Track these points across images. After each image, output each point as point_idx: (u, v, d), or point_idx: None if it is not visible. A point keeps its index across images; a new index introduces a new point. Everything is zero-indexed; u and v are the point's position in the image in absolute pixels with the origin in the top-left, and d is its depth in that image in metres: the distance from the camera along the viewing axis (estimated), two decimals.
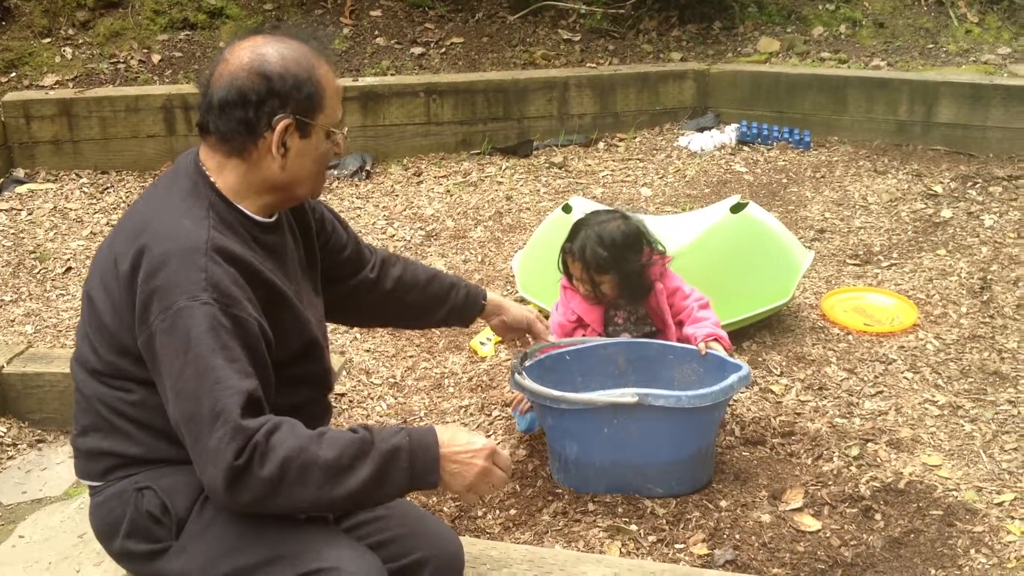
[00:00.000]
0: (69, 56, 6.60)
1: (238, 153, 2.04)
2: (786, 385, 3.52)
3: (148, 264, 1.94)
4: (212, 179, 2.07)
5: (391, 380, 3.67)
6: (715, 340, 3.08)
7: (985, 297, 4.12)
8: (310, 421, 2.28)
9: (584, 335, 3.27)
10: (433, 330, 4.03)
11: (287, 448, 1.88)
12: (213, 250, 1.95)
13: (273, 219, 2.15)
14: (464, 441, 2.02)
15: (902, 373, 3.60)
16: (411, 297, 2.60)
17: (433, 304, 2.66)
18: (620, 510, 2.86)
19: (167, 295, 1.92)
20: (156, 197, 2.10)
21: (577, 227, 3.24)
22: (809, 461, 3.10)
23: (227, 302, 1.94)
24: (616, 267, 3.17)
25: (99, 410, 2.10)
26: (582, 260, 3.19)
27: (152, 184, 2.20)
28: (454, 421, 3.37)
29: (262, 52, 2.01)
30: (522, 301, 4.13)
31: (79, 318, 2.21)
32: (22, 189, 5.64)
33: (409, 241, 4.97)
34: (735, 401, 3.37)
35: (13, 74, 6.38)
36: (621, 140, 6.29)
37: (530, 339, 2.91)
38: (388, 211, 5.36)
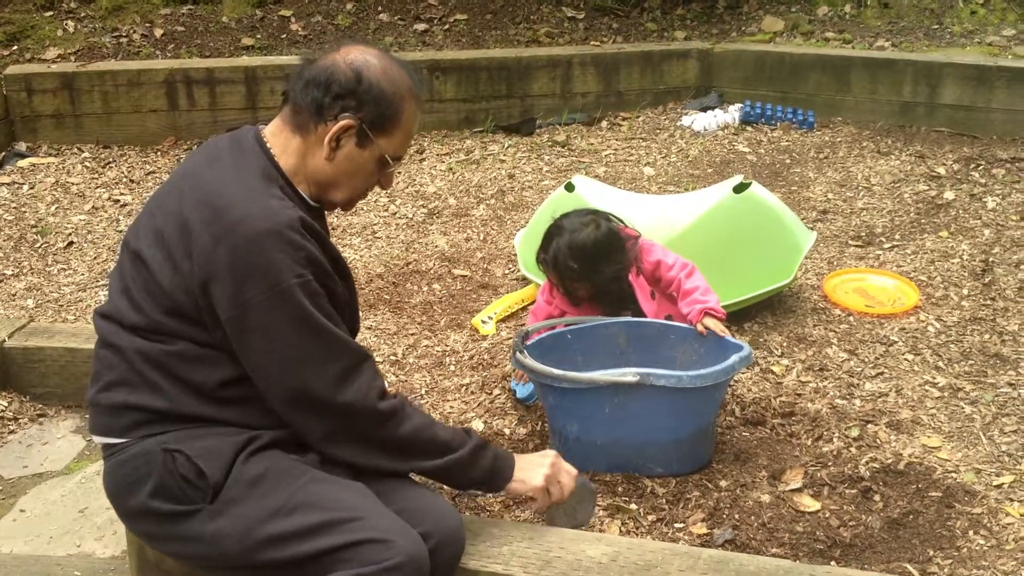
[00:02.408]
0: (71, 30, 6.59)
1: (301, 130, 2.15)
2: (787, 366, 3.53)
3: (241, 242, 2.02)
4: (277, 159, 2.17)
5: (392, 358, 3.67)
6: (708, 315, 3.08)
7: (987, 279, 4.12)
8: None
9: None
10: (435, 308, 4.04)
11: (419, 419, 2.20)
12: (303, 227, 2.06)
13: (318, 206, 2.27)
14: (530, 456, 2.39)
15: (903, 355, 3.60)
16: None
17: None
18: (620, 489, 2.87)
19: (269, 274, 2.02)
20: (225, 171, 2.15)
21: (550, 234, 3.20)
22: (809, 442, 3.10)
23: (321, 273, 2.10)
24: (588, 278, 3.17)
25: (132, 362, 2.13)
26: (555, 270, 3.18)
27: (209, 153, 2.23)
28: (455, 399, 3.38)
29: (368, 58, 2.15)
30: (523, 280, 4.14)
31: (114, 271, 2.23)
32: (24, 163, 5.64)
33: (411, 219, 4.97)
34: (736, 381, 3.37)
35: (15, 47, 6.37)
36: (624, 119, 6.28)
37: None
38: (390, 188, 5.34)
